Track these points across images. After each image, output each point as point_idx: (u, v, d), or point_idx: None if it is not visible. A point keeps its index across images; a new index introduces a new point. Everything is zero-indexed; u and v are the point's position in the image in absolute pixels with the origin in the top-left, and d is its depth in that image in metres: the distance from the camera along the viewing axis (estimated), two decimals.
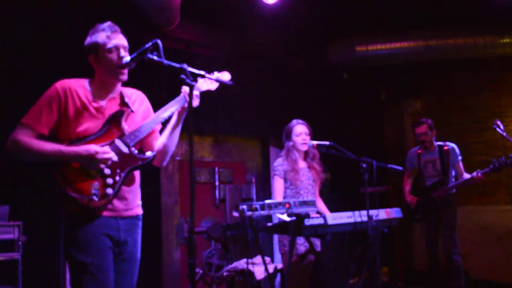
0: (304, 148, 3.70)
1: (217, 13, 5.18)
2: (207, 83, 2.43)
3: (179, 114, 2.34)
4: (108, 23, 2.23)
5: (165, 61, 2.03)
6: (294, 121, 3.78)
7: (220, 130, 5.41)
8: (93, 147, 2.07)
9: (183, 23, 4.73)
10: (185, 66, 1.97)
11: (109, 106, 2.23)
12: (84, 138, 2.13)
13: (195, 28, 5.23)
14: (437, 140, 4.73)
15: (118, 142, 2.18)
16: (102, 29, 2.20)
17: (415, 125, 4.72)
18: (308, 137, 3.69)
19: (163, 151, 2.36)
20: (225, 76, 2.42)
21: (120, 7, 4.17)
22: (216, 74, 2.37)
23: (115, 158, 2.13)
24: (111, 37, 2.19)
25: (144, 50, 2.06)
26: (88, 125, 2.15)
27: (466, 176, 4.45)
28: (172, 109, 2.30)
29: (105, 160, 2.09)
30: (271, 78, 5.85)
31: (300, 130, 3.70)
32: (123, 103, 2.28)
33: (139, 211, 2.32)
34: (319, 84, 6.36)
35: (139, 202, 2.33)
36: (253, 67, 5.69)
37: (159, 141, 2.38)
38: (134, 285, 2.27)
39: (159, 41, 2.03)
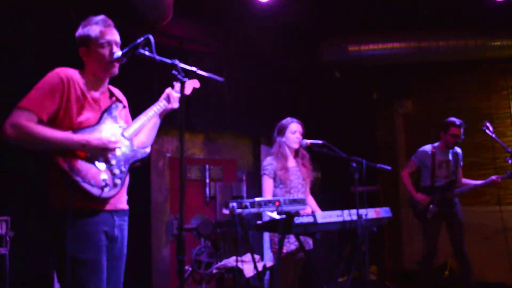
0: (297, 146, 3.71)
1: (211, 10, 5.16)
2: (187, 87, 2.54)
3: (160, 115, 2.40)
4: (102, 16, 2.21)
5: (157, 57, 2.02)
6: (289, 118, 3.79)
7: (211, 128, 5.40)
8: (104, 137, 2.06)
9: (176, 19, 4.70)
10: (176, 61, 1.97)
11: (102, 99, 2.22)
12: (85, 129, 2.09)
13: (188, 25, 5.21)
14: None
15: None
16: (95, 22, 2.17)
17: (454, 125, 4.59)
18: (301, 137, 3.71)
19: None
20: (195, 84, 2.59)
21: (112, 1, 4.14)
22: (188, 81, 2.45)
23: (124, 148, 2.15)
24: (105, 32, 2.16)
25: (136, 45, 2.05)
26: (88, 115, 2.12)
27: (475, 181, 4.58)
28: (156, 110, 2.36)
29: (115, 151, 2.08)
30: (264, 76, 5.84)
31: (295, 128, 3.72)
32: (115, 98, 2.29)
33: (127, 206, 2.31)
34: (311, 83, 6.37)
35: (126, 197, 2.33)
36: (246, 65, 5.68)
37: (137, 140, 2.36)
38: (121, 281, 2.25)
39: (151, 37, 2.03)
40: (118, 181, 2.11)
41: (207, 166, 5.53)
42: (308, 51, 6.15)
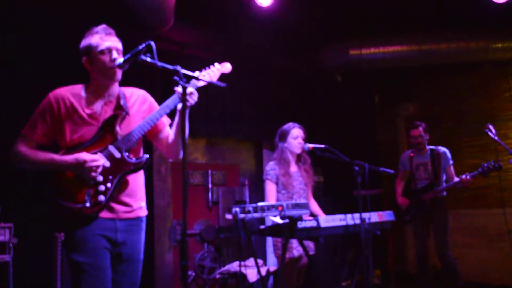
0: (299, 151, 3.71)
1: (211, 15, 5.17)
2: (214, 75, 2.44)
3: (180, 112, 2.25)
4: (103, 25, 2.24)
5: (159, 63, 2.02)
6: (291, 123, 3.79)
7: (213, 133, 5.40)
8: (82, 156, 2.09)
9: (177, 24, 4.71)
10: (178, 67, 1.97)
11: (104, 110, 2.22)
12: (79, 145, 2.15)
13: (189, 30, 5.22)
14: (429, 144, 4.79)
15: (111, 148, 2.18)
16: (96, 32, 2.21)
17: (410, 127, 4.80)
18: (303, 142, 3.71)
19: (174, 145, 2.34)
20: (226, 67, 2.48)
21: (113, 8, 4.16)
22: (217, 66, 2.42)
23: (107, 164, 2.14)
24: (104, 39, 2.19)
25: (138, 51, 2.06)
26: (83, 132, 2.17)
27: (456, 179, 4.53)
28: (166, 109, 2.27)
29: (95, 168, 2.10)
30: (265, 81, 5.85)
31: (297, 133, 3.72)
32: (118, 107, 2.25)
33: (141, 213, 2.31)
34: (313, 87, 6.37)
35: (142, 204, 2.32)
36: (247, 70, 5.68)
37: (170, 136, 2.36)
38: (136, 286, 2.27)
39: (152, 43, 2.03)
40: (101, 198, 2.14)
41: (209, 171, 5.53)
42: (309, 55, 6.16)
